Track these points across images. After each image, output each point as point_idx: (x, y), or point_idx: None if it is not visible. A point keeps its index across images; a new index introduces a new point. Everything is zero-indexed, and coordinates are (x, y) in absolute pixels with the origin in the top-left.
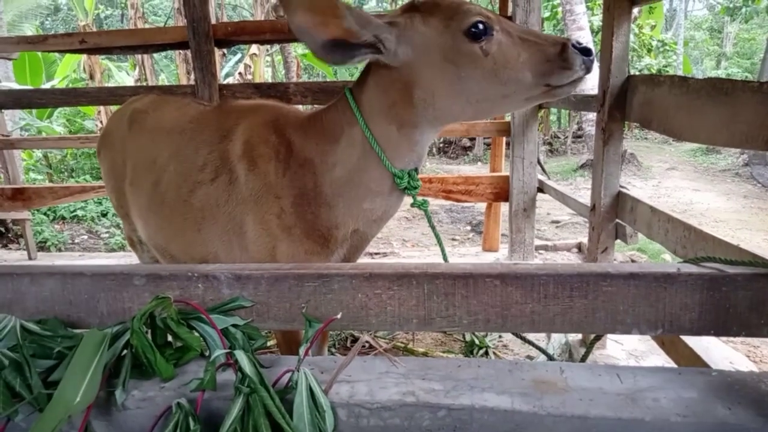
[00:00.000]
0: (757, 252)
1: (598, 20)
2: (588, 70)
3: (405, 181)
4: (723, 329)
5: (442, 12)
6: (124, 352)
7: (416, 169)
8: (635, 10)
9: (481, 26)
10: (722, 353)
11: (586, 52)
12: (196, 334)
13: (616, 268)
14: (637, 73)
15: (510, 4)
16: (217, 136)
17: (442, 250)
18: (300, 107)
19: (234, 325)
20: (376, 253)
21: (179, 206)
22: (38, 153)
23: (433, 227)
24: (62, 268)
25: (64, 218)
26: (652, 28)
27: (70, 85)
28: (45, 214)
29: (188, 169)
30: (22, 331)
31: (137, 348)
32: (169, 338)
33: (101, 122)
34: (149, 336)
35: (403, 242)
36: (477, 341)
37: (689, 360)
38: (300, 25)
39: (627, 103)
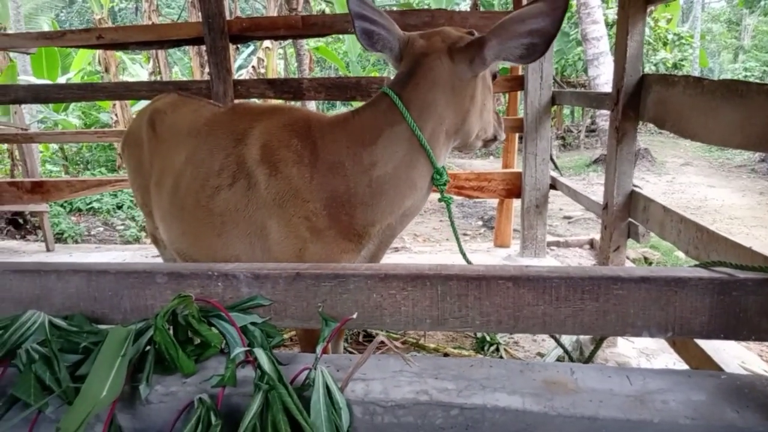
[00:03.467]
0: None
1: (612, 13)
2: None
3: (444, 177)
4: (733, 333)
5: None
6: (148, 348)
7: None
8: (651, 8)
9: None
10: (734, 353)
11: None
12: (216, 331)
13: (627, 272)
14: (653, 67)
15: None
16: (232, 139)
17: (461, 250)
18: (312, 104)
19: (252, 323)
20: None
21: (199, 212)
22: (54, 145)
23: (452, 222)
24: (87, 265)
25: (80, 210)
26: (668, 21)
27: (86, 78)
28: (62, 206)
29: (205, 174)
30: (50, 326)
31: (160, 344)
32: (190, 335)
33: (116, 115)
34: (171, 333)
35: (415, 237)
36: (488, 338)
37: (700, 360)
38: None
39: (641, 103)
